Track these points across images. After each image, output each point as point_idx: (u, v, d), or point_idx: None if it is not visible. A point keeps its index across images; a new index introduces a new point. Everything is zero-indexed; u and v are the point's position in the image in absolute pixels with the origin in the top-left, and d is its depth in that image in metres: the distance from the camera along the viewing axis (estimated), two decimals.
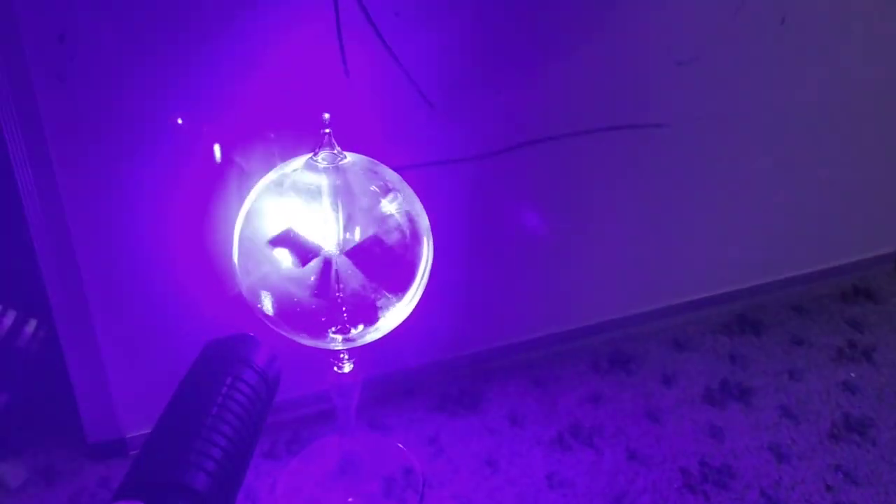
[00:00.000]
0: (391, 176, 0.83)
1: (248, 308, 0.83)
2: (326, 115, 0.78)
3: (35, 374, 1.04)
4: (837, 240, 1.35)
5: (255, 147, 0.90)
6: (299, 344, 0.84)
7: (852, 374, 1.20)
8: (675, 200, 1.17)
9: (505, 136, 1.02)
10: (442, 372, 1.17)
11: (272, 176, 0.82)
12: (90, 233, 0.89)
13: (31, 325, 1.01)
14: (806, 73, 1.15)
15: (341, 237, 0.80)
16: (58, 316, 0.94)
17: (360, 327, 0.83)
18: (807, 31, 1.10)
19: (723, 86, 1.10)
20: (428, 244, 0.84)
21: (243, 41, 0.85)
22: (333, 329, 0.82)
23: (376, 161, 0.83)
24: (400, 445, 1.07)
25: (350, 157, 0.81)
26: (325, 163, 0.79)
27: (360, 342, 0.84)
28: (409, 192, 0.83)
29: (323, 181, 0.79)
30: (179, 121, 0.86)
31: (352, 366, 0.91)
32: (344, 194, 0.80)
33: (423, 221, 0.83)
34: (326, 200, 0.79)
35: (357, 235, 0.80)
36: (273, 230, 0.80)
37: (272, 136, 0.89)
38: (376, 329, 0.83)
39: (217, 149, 0.89)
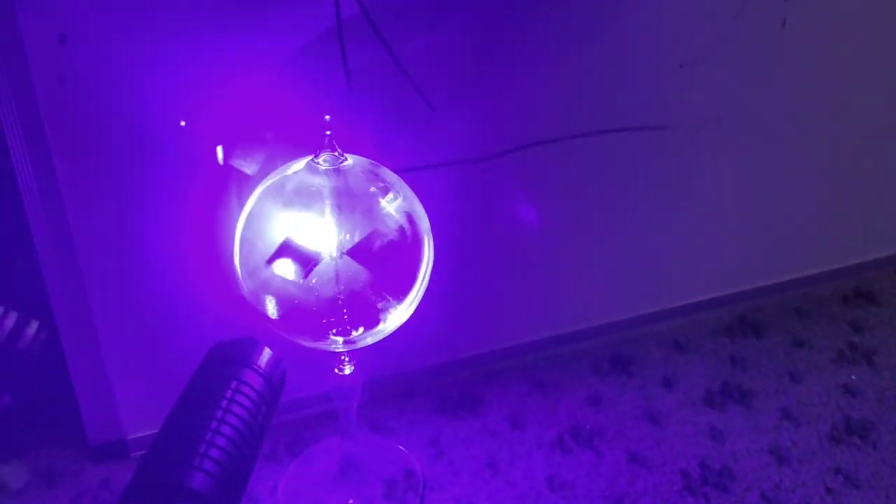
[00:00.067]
0: (392, 178, 0.83)
1: (249, 310, 0.83)
2: (327, 118, 0.79)
3: (36, 376, 1.04)
4: (838, 242, 1.35)
5: (256, 149, 0.90)
6: (300, 346, 0.84)
7: (853, 377, 1.20)
8: (676, 202, 1.17)
9: (506, 139, 1.02)
10: (442, 374, 1.17)
11: (273, 178, 0.82)
12: (92, 234, 0.89)
13: (33, 327, 1.01)
14: (807, 74, 1.15)
15: (342, 239, 0.80)
16: (59, 317, 0.94)
17: (361, 329, 0.83)
18: (808, 33, 1.10)
19: (724, 88, 1.10)
20: (429, 246, 0.84)
21: (244, 43, 0.85)
22: (334, 331, 0.82)
23: (377, 163, 0.83)
24: (401, 447, 1.07)
25: (351, 160, 0.81)
26: (327, 165, 0.80)
27: (360, 344, 0.84)
28: (410, 193, 0.83)
29: (324, 183, 0.79)
30: (182, 123, 0.86)
31: (353, 368, 0.91)
32: (345, 196, 0.80)
33: (424, 223, 0.84)
34: (328, 202, 0.79)
35: (358, 237, 0.80)
36: (275, 233, 0.80)
37: (273, 138, 0.90)
38: (377, 331, 0.83)
39: (219, 151, 0.89)
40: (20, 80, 0.79)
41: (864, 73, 1.19)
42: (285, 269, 0.79)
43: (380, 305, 0.81)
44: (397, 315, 0.83)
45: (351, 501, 1.01)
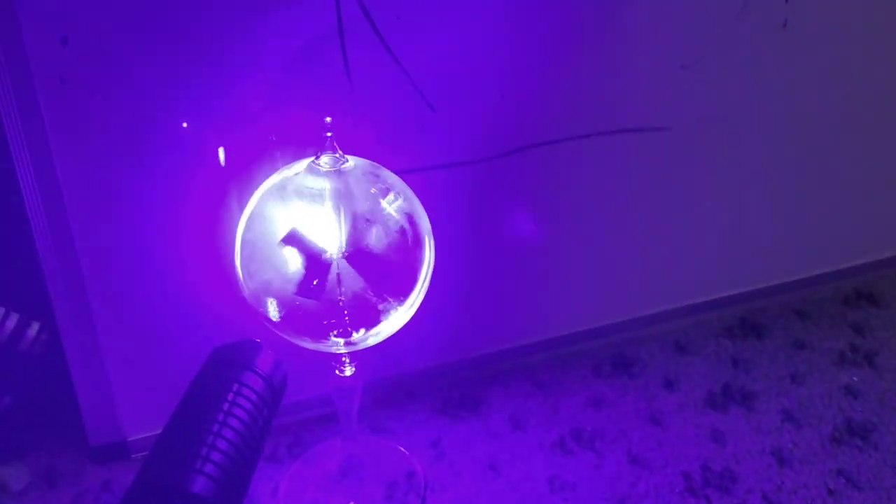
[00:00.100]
0: (393, 179, 0.83)
1: (250, 312, 0.83)
2: (328, 119, 0.79)
3: (37, 377, 1.05)
4: (840, 243, 1.35)
5: (257, 150, 0.90)
6: (301, 347, 0.84)
7: (855, 378, 1.19)
8: (677, 203, 1.17)
9: (507, 140, 1.02)
10: (443, 375, 1.17)
11: (274, 179, 0.82)
12: (93, 236, 0.89)
13: (34, 328, 1.01)
14: (808, 76, 1.15)
15: (343, 240, 0.80)
16: (60, 319, 0.94)
17: (362, 331, 0.83)
18: (809, 34, 1.10)
19: (725, 89, 1.10)
20: (430, 247, 0.84)
21: (245, 44, 0.85)
22: (335, 332, 0.82)
23: (378, 164, 0.83)
24: (402, 449, 1.07)
25: (352, 161, 0.81)
26: (328, 166, 0.80)
27: (361, 346, 0.84)
28: (411, 195, 0.83)
29: (325, 185, 0.79)
30: (185, 124, 0.86)
31: (353, 369, 0.91)
32: (346, 197, 0.80)
33: (425, 224, 0.84)
34: (328, 204, 0.79)
35: (359, 239, 0.80)
36: (275, 233, 0.80)
37: (274, 139, 0.90)
38: (378, 332, 0.83)
39: (220, 152, 0.89)
40: (21, 80, 0.79)
41: (866, 74, 1.19)
42: (293, 256, 0.79)
43: (381, 307, 0.81)
44: (398, 316, 0.83)
45: (352, 503, 1.01)
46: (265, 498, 1.00)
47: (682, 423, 1.11)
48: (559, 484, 1.02)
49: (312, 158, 0.81)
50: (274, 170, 0.85)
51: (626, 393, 1.16)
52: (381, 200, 0.81)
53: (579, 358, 1.22)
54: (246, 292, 0.82)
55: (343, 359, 0.91)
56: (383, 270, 0.81)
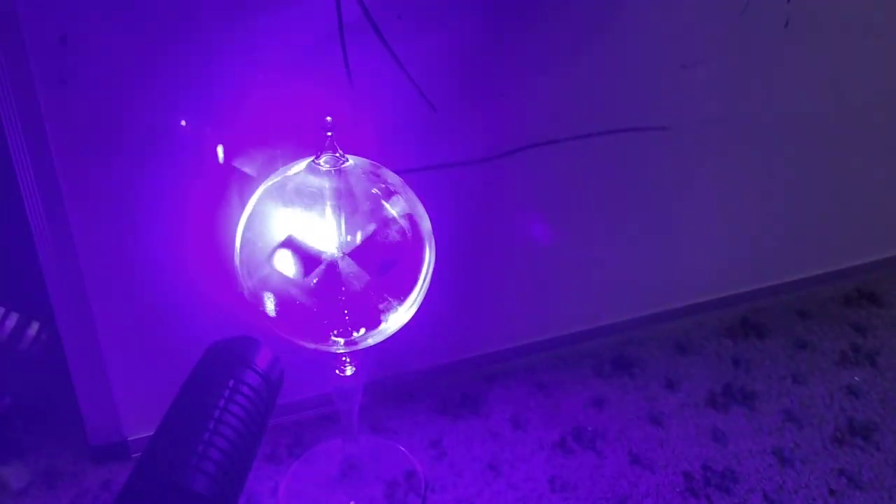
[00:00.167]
0: (393, 179, 0.83)
1: (250, 311, 0.83)
2: (329, 119, 0.79)
3: (37, 377, 1.04)
4: (841, 243, 1.35)
5: (257, 150, 0.90)
6: (301, 347, 0.84)
7: (856, 378, 1.19)
8: (678, 203, 1.17)
9: (507, 140, 1.02)
10: (444, 375, 1.17)
11: (275, 179, 0.82)
12: (93, 235, 0.89)
13: (34, 328, 1.01)
14: (809, 75, 1.14)
15: (343, 240, 0.80)
16: (60, 318, 0.94)
17: (363, 330, 0.83)
18: (810, 34, 1.10)
19: (726, 89, 1.10)
20: (430, 247, 0.83)
21: (246, 44, 0.85)
22: (335, 332, 0.82)
23: (378, 164, 0.83)
24: (402, 449, 1.07)
25: (352, 161, 0.81)
26: (328, 166, 0.80)
27: (362, 345, 0.84)
28: (411, 195, 0.83)
29: (325, 184, 0.79)
30: (183, 122, 0.86)
31: (354, 369, 0.91)
32: (346, 197, 0.80)
33: (425, 224, 0.83)
34: (329, 203, 0.79)
35: (359, 238, 0.80)
36: (275, 233, 0.80)
37: (275, 138, 0.90)
38: (378, 332, 0.83)
39: (220, 151, 0.89)
40: (21, 80, 0.79)
41: (867, 74, 1.19)
42: (286, 265, 0.79)
43: (381, 306, 0.81)
44: (399, 316, 0.83)
45: (352, 503, 1.01)
46: (265, 498, 1.00)
47: (683, 422, 1.11)
48: (560, 484, 1.02)
49: (313, 158, 0.80)
50: (274, 169, 0.84)
51: (627, 393, 1.16)
52: (382, 200, 0.81)
53: (580, 358, 1.22)
54: (246, 291, 0.82)
55: (343, 359, 0.90)
56: (384, 270, 0.81)
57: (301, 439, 1.08)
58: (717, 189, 1.18)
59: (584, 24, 0.98)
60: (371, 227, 0.80)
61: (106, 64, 0.81)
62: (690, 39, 1.04)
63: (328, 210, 0.79)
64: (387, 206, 0.81)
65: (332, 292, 0.80)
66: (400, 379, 1.14)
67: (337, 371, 0.91)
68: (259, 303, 0.81)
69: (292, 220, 0.80)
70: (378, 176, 0.82)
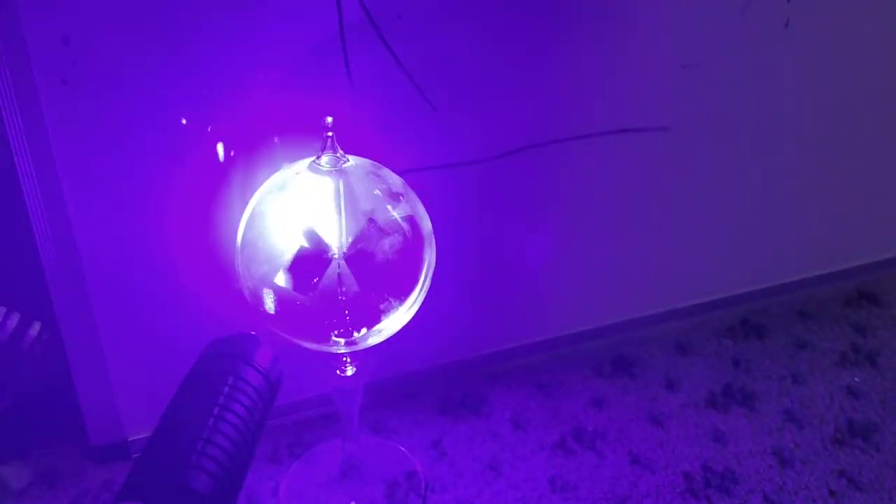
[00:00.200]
0: (394, 179, 0.83)
1: (251, 311, 0.83)
2: (329, 119, 0.79)
3: (38, 377, 1.04)
4: (841, 243, 1.35)
5: (258, 149, 0.90)
6: (302, 347, 0.84)
7: (856, 379, 1.19)
8: (678, 203, 1.17)
9: (508, 140, 1.02)
10: (444, 375, 1.17)
11: (275, 178, 0.82)
12: (94, 235, 0.89)
13: (35, 328, 1.01)
14: (810, 75, 1.14)
15: (344, 240, 0.80)
16: (61, 319, 0.94)
17: (363, 330, 0.83)
18: (811, 34, 1.10)
19: (727, 89, 1.10)
20: (430, 247, 0.84)
21: (246, 44, 0.85)
22: (336, 332, 0.82)
23: (379, 164, 0.83)
24: (402, 449, 1.07)
25: (353, 161, 0.81)
26: (328, 166, 0.80)
27: (362, 345, 0.84)
28: (412, 195, 0.83)
29: (326, 184, 0.79)
30: (184, 121, 0.86)
31: (354, 369, 0.91)
32: (347, 197, 0.80)
33: (426, 224, 0.83)
34: (329, 203, 0.79)
35: (360, 238, 0.80)
36: (276, 233, 0.80)
37: (275, 138, 0.90)
38: (379, 332, 0.83)
39: (220, 150, 0.89)
40: (23, 81, 0.79)
41: (867, 74, 1.19)
42: (291, 280, 0.79)
43: (382, 306, 0.81)
44: (399, 316, 0.83)
45: (353, 503, 1.01)
46: (265, 498, 1.00)
47: (684, 423, 1.11)
48: (560, 484, 1.02)
49: (313, 158, 0.80)
50: (275, 169, 0.85)
51: (627, 393, 1.16)
52: (383, 200, 0.81)
53: (580, 358, 1.22)
54: (246, 292, 0.82)
55: (344, 359, 0.91)
56: (384, 270, 0.81)
57: (301, 439, 1.08)
58: (716, 189, 1.18)
59: (585, 23, 0.98)
60: (372, 227, 0.80)
61: (107, 64, 0.81)
62: (690, 39, 1.04)
63: (329, 210, 0.79)
64: (387, 206, 0.81)
65: (332, 292, 0.80)
66: (400, 379, 1.14)
67: (337, 371, 0.91)
68: (260, 303, 0.81)
69: (293, 220, 0.80)
70: (379, 176, 0.82)
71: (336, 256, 0.80)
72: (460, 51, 0.94)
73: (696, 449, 1.07)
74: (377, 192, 0.81)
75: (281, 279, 0.80)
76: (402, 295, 0.82)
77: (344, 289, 0.80)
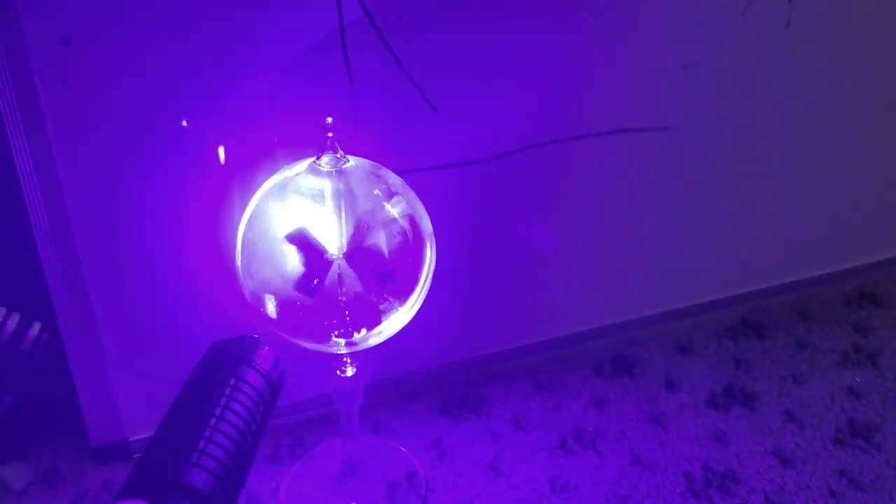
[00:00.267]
0: (394, 179, 0.83)
1: (251, 312, 0.83)
2: (329, 119, 0.79)
3: (39, 377, 1.04)
4: (842, 243, 1.35)
5: (258, 150, 0.90)
6: (302, 348, 0.84)
7: (857, 379, 1.19)
8: (678, 203, 1.17)
9: (508, 140, 1.02)
10: (445, 376, 1.17)
11: (275, 179, 0.82)
12: (94, 236, 0.89)
13: (35, 328, 1.01)
14: (811, 76, 1.14)
15: (344, 241, 0.80)
16: (61, 319, 0.94)
17: (364, 331, 0.83)
18: (812, 34, 1.10)
19: (728, 89, 1.10)
20: (431, 248, 0.83)
21: (246, 43, 0.85)
22: (336, 333, 0.82)
23: (379, 165, 0.83)
24: (403, 449, 1.07)
25: (353, 161, 0.81)
26: (328, 166, 0.80)
27: (362, 346, 0.84)
28: (412, 195, 0.83)
29: (326, 185, 0.79)
30: (184, 122, 0.86)
31: (354, 370, 0.91)
32: (347, 197, 0.80)
33: (426, 225, 0.83)
34: (329, 204, 0.79)
35: (360, 239, 0.80)
36: (276, 233, 0.80)
37: (275, 139, 0.90)
38: (379, 333, 0.83)
39: (221, 151, 0.89)
40: (23, 81, 0.79)
41: (868, 75, 1.18)
42: (293, 254, 0.79)
43: (382, 307, 0.81)
44: (399, 317, 0.83)
45: (353, 503, 1.01)
46: (266, 498, 1.00)
47: (684, 423, 1.11)
48: (560, 484, 1.02)
49: (313, 158, 0.80)
50: (275, 170, 0.85)
51: (628, 393, 1.16)
52: (383, 201, 0.81)
53: (581, 358, 1.22)
54: (247, 292, 0.82)
55: (344, 359, 0.91)
56: (384, 270, 0.81)
57: (302, 440, 1.08)
58: (717, 189, 1.18)
59: (585, 23, 0.98)
60: (372, 228, 0.80)
61: (107, 65, 0.81)
62: (691, 39, 1.04)
63: (329, 210, 0.79)
64: (388, 206, 0.81)
65: (332, 293, 0.80)
66: (401, 379, 1.14)
67: (338, 372, 0.91)
68: (260, 303, 0.81)
69: (293, 221, 0.80)
70: (379, 176, 0.82)
71: (336, 257, 0.80)
72: (460, 51, 0.94)
73: (696, 449, 1.07)
74: (377, 192, 0.81)
75: (281, 280, 0.80)
76: (403, 295, 0.82)
77: (344, 289, 0.80)
